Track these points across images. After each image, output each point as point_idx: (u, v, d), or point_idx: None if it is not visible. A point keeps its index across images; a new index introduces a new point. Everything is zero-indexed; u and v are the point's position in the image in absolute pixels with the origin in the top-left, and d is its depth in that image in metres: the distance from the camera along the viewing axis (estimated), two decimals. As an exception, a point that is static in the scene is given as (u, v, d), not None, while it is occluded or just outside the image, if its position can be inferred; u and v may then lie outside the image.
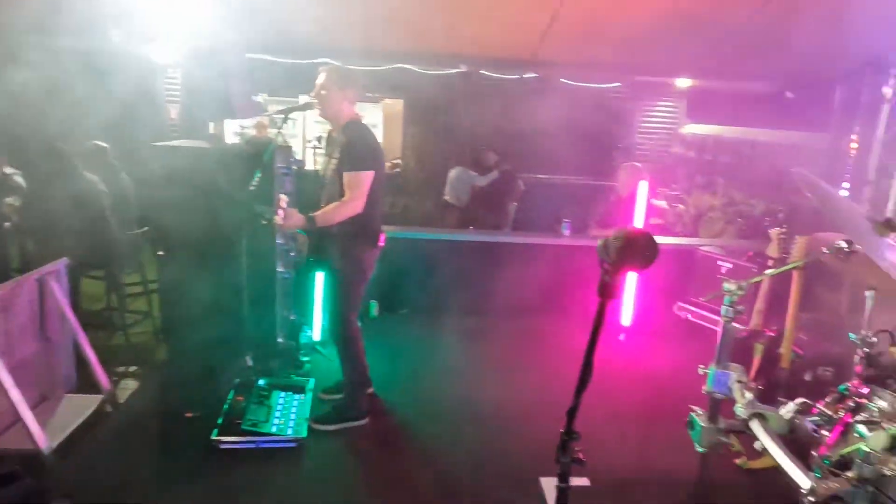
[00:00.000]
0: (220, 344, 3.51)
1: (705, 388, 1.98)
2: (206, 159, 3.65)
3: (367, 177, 3.02)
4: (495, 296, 5.07)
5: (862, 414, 1.52)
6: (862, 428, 1.38)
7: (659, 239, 4.89)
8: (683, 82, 7.73)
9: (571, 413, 1.38)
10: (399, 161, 8.66)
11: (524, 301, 4.95)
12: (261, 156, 3.27)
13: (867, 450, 1.32)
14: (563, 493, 1.48)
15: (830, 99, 5.20)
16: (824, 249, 1.84)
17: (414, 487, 2.87)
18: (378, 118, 9.02)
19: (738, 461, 3.04)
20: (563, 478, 1.47)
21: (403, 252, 5.11)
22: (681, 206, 7.18)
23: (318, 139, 7.71)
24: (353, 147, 3.03)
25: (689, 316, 4.98)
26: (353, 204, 3.02)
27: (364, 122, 3.26)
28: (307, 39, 5.26)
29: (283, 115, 3.31)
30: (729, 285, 1.89)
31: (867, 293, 2.25)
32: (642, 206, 4.91)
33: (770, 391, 3.39)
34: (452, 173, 7.33)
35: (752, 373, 3.59)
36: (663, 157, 8.59)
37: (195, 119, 5.81)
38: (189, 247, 3.54)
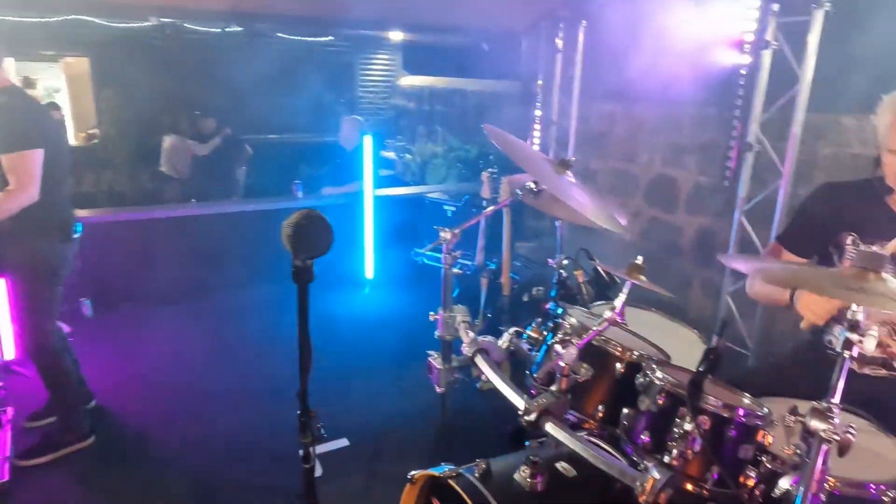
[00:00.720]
0: None
1: (437, 332, 2.09)
2: None
3: (34, 157, 2.47)
4: (231, 270, 4.76)
5: (559, 333, 1.74)
6: (558, 346, 1.58)
7: (391, 189, 5.02)
8: (396, 35, 7.96)
9: (302, 396, 1.33)
10: (96, 131, 7.45)
11: (262, 271, 4.73)
12: None
13: (563, 364, 1.53)
14: (309, 473, 1.44)
15: (518, 49, 5.84)
16: (517, 191, 2.04)
17: (163, 499, 2.58)
18: (61, 81, 7.60)
19: (478, 385, 3.37)
20: (307, 458, 1.43)
21: (117, 237, 4.47)
22: (408, 156, 7.52)
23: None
24: (6, 123, 2.44)
25: (425, 260, 5.30)
26: (22, 193, 2.46)
27: (39, 86, 2.65)
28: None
29: None
30: (443, 234, 1.99)
31: (556, 223, 2.60)
32: (369, 159, 4.99)
33: (497, 318, 3.81)
34: (167, 143, 6.57)
35: (482, 304, 3.98)
36: (386, 109, 8.85)
37: None
38: None
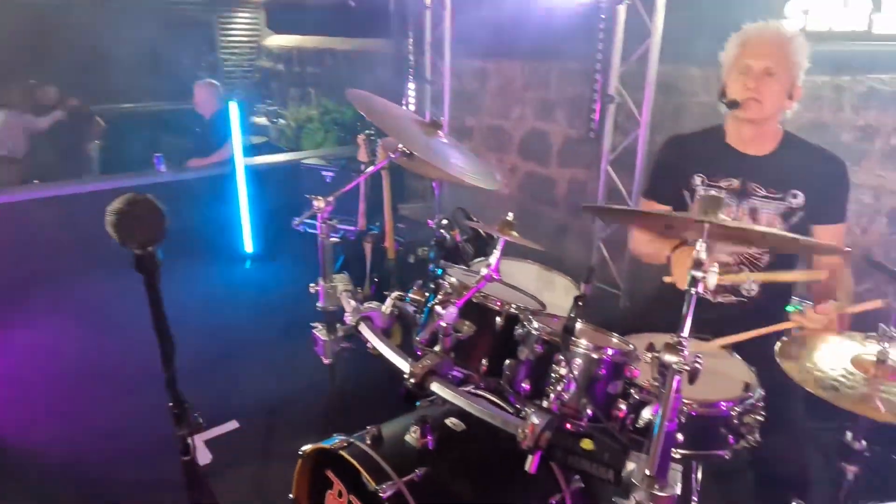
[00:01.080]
0: None
1: (319, 303, 2.04)
2: None
3: None
4: (90, 255, 4.33)
5: (440, 293, 1.76)
6: (438, 307, 1.60)
7: (264, 158, 4.78)
8: (256, -9, 7.49)
9: (170, 386, 1.25)
10: None
11: (126, 254, 4.36)
12: None
13: (444, 324, 1.55)
14: (190, 466, 1.37)
15: (387, 6, 5.70)
16: (390, 154, 2.01)
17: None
18: None
19: (369, 349, 3.37)
20: (187, 450, 1.35)
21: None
22: (281, 121, 7.20)
23: None
24: None
25: (307, 229, 5.15)
26: None
27: None
28: None
29: None
30: (317, 202, 1.93)
31: (434, 184, 2.61)
32: (237, 126, 4.71)
33: (385, 282, 3.81)
34: (-5, 117, 5.80)
35: (368, 269, 3.95)
36: (252, 72, 8.37)
37: None
38: None
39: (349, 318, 1.87)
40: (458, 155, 2.03)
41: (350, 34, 6.84)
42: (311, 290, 2.08)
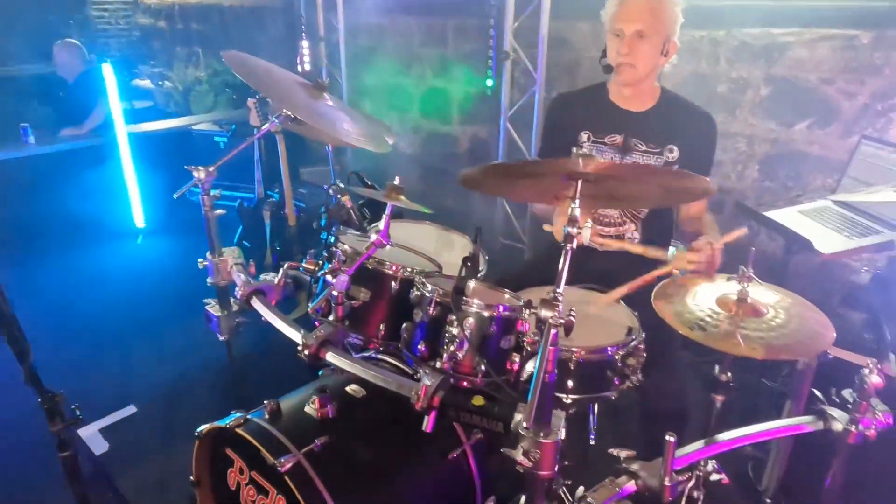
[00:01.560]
0: None
1: (209, 279, 1.96)
2: None
3: None
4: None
5: (333, 261, 1.73)
6: (329, 276, 1.57)
7: (150, 124, 4.42)
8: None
9: (31, 380, 1.16)
10: None
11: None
12: None
13: (336, 293, 1.53)
14: (69, 461, 1.29)
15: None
16: (274, 118, 1.93)
17: None
18: None
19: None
20: (64, 446, 1.27)
21: None
22: (167, 83, 6.72)
23: None
24: None
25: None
26: None
27: None
28: None
29: None
30: (197, 173, 1.83)
31: (327, 148, 2.55)
32: (114, 90, 4.35)
33: (287, 250, 3.70)
34: None
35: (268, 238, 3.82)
36: (130, 30, 7.72)
37: None
38: None
39: (240, 293, 1.81)
40: (346, 117, 1.98)
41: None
42: (200, 266, 1.99)
